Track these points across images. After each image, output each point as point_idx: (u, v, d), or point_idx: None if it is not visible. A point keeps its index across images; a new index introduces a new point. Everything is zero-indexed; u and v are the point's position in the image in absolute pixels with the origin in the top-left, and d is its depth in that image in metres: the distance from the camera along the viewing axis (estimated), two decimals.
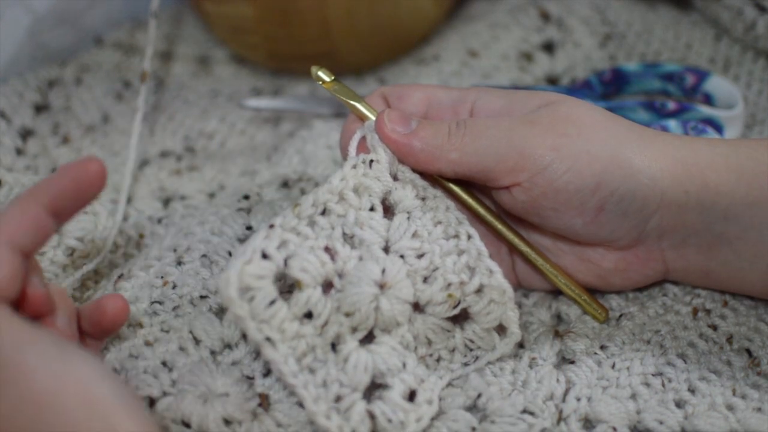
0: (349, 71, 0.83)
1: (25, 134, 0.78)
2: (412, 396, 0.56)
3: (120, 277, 0.65)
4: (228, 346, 0.60)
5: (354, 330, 0.56)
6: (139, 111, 0.74)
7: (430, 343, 0.58)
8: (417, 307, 0.58)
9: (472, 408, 0.57)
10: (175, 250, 0.67)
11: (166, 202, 0.73)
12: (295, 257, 0.55)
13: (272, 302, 0.54)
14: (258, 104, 0.79)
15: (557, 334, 0.62)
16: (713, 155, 0.57)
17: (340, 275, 0.56)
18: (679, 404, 0.57)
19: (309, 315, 0.55)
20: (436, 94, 0.62)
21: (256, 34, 0.80)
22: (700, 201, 0.56)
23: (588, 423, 0.57)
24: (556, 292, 0.64)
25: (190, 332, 0.60)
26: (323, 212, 0.57)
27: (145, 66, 0.74)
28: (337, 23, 0.78)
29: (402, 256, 0.57)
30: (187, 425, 0.56)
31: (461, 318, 0.59)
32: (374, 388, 0.56)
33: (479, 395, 0.57)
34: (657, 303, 0.62)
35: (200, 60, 0.87)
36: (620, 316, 0.62)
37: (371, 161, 0.59)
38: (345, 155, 0.60)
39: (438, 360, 0.58)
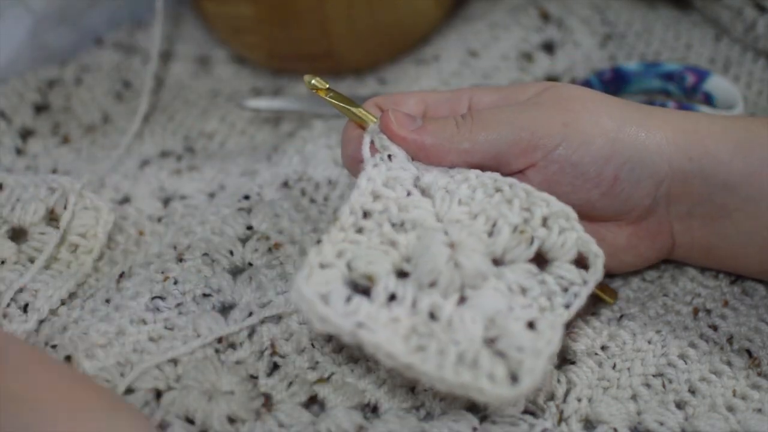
0: (348, 71, 0.83)
1: (25, 134, 0.78)
2: (531, 326, 0.53)
3: (122, 275, 0.65)
4: (231, 345, 0.60)
5: (445, 296, 0.53)
6: (139, 111, 0.74)
7: (525, 292, 0.55)
8: (496, 263, 0.56)
9: (473, 408, 0.57)
10: (175, 248, 0.67)
11: (166, 201, 0.73)
12: (356, 259, 0.54)
13: (349, 299, 0.52)
14: (258, 104, 0.79)
15: None
16: (711, 126, 0.59)
17: (407, 260, 0.55)
18: (679, 405, 0.58)
19: (393, 298, 0.53)
20: (429, 97, 0.62)
21: (256, 34, 0.80)
22: (703, 168, 0.58)
23: (589, 424, 0.57)
24: None
25: (194, 330, 0.61)
26: (365, 215, 0.56)
27: (151, 68, 0.75)
28: (336, 23, 0.78)
29: (458, 221, 0.56)
30: (190, 421, 0.56)
31: (542, 263, 0.56)
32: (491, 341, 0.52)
33: None
34: (658, 303, 0.63)
35: (200, 60, 0.87)
36: (621, 316, 0.62)
37: (389, 156, 0.58)
38: (351, 163, 0.60)
39: (542, 310, 0.55)
